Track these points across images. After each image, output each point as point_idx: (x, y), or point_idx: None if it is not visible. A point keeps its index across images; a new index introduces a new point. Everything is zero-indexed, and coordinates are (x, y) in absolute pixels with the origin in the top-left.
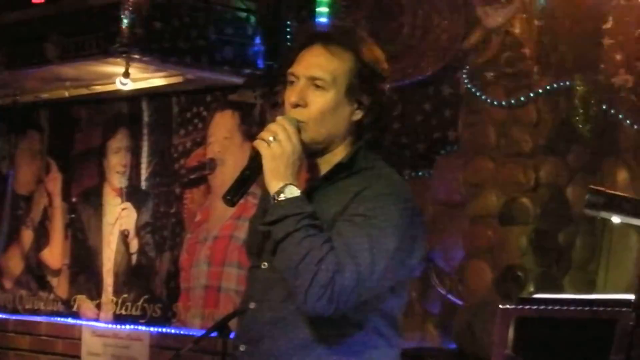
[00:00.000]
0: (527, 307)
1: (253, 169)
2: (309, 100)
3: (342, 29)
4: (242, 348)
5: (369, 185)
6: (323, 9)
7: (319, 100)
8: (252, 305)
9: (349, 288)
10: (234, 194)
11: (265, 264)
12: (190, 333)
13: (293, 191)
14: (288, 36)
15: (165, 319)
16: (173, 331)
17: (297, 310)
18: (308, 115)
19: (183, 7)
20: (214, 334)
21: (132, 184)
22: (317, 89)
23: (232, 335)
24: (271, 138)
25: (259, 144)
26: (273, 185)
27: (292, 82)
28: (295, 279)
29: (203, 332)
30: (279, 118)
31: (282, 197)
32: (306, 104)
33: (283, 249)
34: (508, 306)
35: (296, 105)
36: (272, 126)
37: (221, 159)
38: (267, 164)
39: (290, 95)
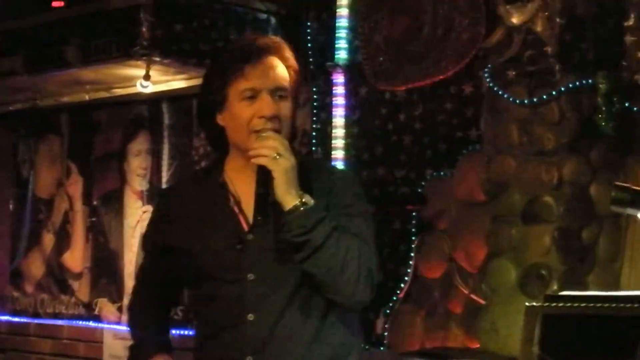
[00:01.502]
0: (554, 304)
1: (265, 187)
2: (280, 112)
3: (275, 40)
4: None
5: (332, 178)
6: (343, 10)
7: (286, 111)
8: (250, 317)
9: (377, 272)
10: (263, 215)
11: (251, 275)
12: None
13: (310, 198)
14: (309, 37)
15: (186, 322)
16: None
17: (299, 311)
18: (281, 125)
19: (203, 9)
20: None
21: (153, 187)
22: (281, 99)
23: None
24: (275, 154)
25: (268, 162)
26: (291, 197)
27: (251, 97)
28: (342, 275)
29: None
30: (270, 134)
31: (305, 205)
32: (279, 115)
33: (324, 251)
34: (534, 304)
35: (272, 118)
36: (270, 143)
37: None
38: (281, 178)
39: (263, 109)
